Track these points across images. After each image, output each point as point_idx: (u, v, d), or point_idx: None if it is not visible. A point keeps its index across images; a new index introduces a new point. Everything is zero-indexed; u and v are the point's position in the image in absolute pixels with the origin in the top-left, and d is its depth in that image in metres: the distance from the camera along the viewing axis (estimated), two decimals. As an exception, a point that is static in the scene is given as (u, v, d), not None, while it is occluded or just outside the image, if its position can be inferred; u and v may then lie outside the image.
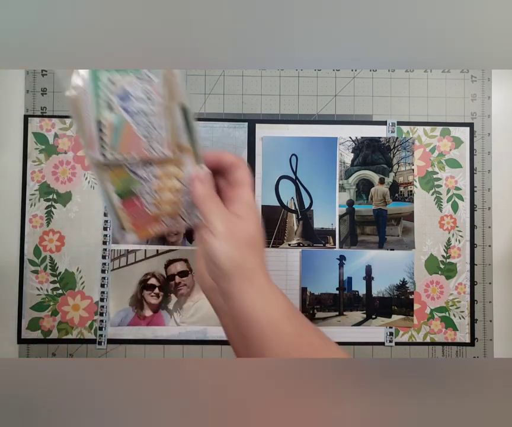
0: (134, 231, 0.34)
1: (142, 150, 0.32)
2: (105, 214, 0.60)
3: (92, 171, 0.33)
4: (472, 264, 0.62)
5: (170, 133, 0.32)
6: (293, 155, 0.61)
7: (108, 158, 0.31)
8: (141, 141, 0.31)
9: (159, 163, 0.33)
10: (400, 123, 0.62)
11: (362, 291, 0.61)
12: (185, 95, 0.32)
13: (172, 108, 0.32)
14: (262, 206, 0.61)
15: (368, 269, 0.61)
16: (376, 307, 0.61)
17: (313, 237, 0.61)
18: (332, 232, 0.61)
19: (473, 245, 0.62)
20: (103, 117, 0.30)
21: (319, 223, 0.62)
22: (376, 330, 0.61)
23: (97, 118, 0.30)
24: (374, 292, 0.61)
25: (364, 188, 0.62)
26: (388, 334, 0.61)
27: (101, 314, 0.60)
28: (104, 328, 0.60)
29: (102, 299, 0.60)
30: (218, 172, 0.36)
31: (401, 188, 0.62)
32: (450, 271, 0.62)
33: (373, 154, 0.62)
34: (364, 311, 0.61)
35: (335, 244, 0.61)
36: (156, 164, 0.33)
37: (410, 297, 0.61)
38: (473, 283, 0.62)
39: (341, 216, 0.61)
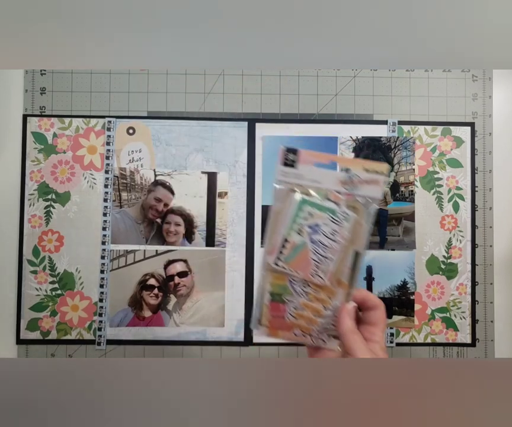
0: (267, 328, 0.39)
1: (308, 273, 0.37)
2: (104, 215, 0.60)
3: (261, 269, 0.38)
4: (473, 264, 0.62)
5: (336, 268, 0.37)
6: (293, 154, 0.61)
7: (278, 266, 0.37)
8: (310, 265, 0.37)
9: (316, 287, 0.38)
10: (401, 123, 0.62)
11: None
12: (364, 244, 0.37)
13: (348, 249, 0.37)
14: (262, 206, 0.61)
15: (369, 269, 0.61)
16: (376, 307, 0.61)
17: (314, 237, 0.61)
18: (332, 232, 0.61)
19: (474, 246, 0.62)
20: (291, 236, 0.37)
21: (319, 223, 0.61)
22: (376, 331, 0.61)
23: (285, 236, 0.37)
24: (375, 293, 0.61)
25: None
26: (389, 334, 0.61)
27: (100, 315, 0.60)
28: (103, 329, 0.60)
29: (101, 300, 0.60)
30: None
31: (402, 188, 0.61)
32: (451, 271, 0.62)
33: (374, 154, 0.61)
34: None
35: (335, 244, 0.61)
36: (312, 286, 0.38)
37: (411, 297, 0.61)
38: (474, 283, 0.62)
39: (341, 216, 0.61)
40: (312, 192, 0.37)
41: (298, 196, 0.37)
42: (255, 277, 0.61)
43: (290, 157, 0.36)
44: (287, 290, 0.38)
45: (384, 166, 0.36)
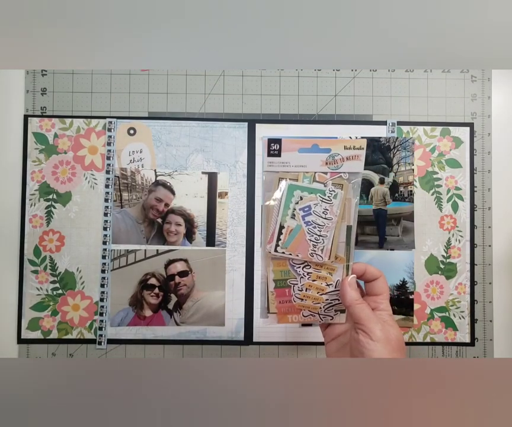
0: (276, 314, 0.41)
1: (307, 254, 0.39)
2: (105, 214, 0.60)
3: (262, 259, 0.41)
4: (472, 264, 0.62)
5: (332, 244, 0.39)
6: (293, 155, 0.61)
7: (278, 253, 0.39)
8: (308, 246, 0.39)
9: (316, 266, 0.40)
10: (400, 123, 0.62)
11: (362, 291, 0.61)
12: (354, 218, 0.39)
13: (340, 225, 0.39)
14: (262, 206, 0.61)
15: (368, 269, 0.61)
16: (376, 307, 0.61)
17: (313, 237, 0.61)
18: (332, 232, 0.61)
19: (473, 245, 0.62)
20: (286, 222, 0.39)
21: (319, 223, 0.61)
22: (376, 330, 0.61)
23: (281, 223, 0.39)
24: (374, 292, 0.61)
25: (364, 188, 0.62)
26: (388, 334, 0.61)
27: (101, 314, 0.60)
28: (103, 328, 0.60)
29: (102, 299, 0.60)
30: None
31: (401, 188, 0.62)
32: (450, 271, 0.62)
33: (373, 154, 0.62)
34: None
35: (335, 244, 0.61)
36: (312, 266, 0.40)
37: (410, 297, 0.61)
38: (473, 283, 0.62)
39: (341, 216, 0.61)
40: (299, 176, 0.39)
41: (287, 182, 0.39)
42: (255, 276, 0.61)
43: (273, 147, 0.38)
44: (289, 274, 0.40)
45: (362, 141, 0.39)
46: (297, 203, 0.39)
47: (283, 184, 0.39)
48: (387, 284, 0.39)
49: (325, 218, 0.38)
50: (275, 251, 0.39)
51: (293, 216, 0.39)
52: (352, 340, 0.38)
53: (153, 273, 0.61)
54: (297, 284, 0.40)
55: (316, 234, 0.39)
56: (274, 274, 0.40)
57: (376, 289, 0.39)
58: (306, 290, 0.40)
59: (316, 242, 0.39)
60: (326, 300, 0.40)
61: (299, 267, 0.40)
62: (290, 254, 0.39)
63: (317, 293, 0.40)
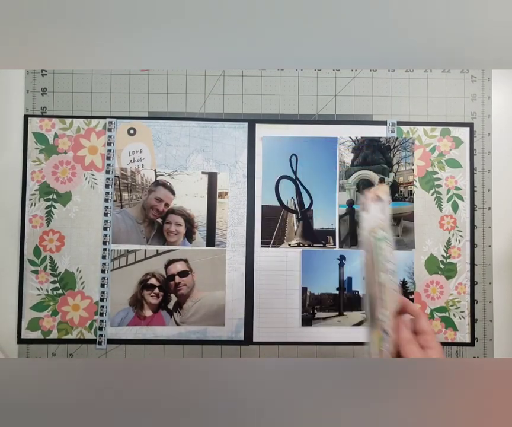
0: None
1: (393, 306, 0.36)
2: (105, 214, 0.60)
3: (366, 330, 0.38)
4: (472, 264, 0.62)
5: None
6: (293, 155, 0.61)
7: (382, 319, 0.35)
8: (395, 295, 0.36)
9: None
10: (400, 123, 0.62)
11: (362, 291, 0.61)
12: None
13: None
14: (262, 206, 0.61)
15: (368, 269, 0.61)
16: (376, 307, 0.61)
17: (313, 237, 0.61)
18: (332, 232, 0.61)
19: (473, 245, 0.62)
20: (381, 278, 0.35)
21: (319, 223, 0.62)
22: (376, 330, 0.61)
23: (378, 280, 0.35)
24: (374, 292, 0.61)
25: (364, 188, 0.62)
26: (388, 334, 0.61)
27: (101, 314, 0.60)
28: (103, 328, 0.60)
29: (102, 299, 0.60)
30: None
31: (401, 188, 0.62)
32: (450, 271, 0.62)
33: (373, 154, 0.62)
34: (364, 311, 0.61)
35: (335, 244, 0.61)
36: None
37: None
38: (473, 283, 0.62)
39: (341, 216, 0.61)
40: (381, 227, 0.37)
41: (376, 236, 0.36)
42: (255, 277, 0.61)
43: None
44: (382, 339, 0.37)
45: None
46: (385, 257, 0.36)
47: (373, 238, 0.36)
48: (429, 322, 0.39)
49: (392, 262, 0.36)
50: (382, 314, 0.36)
51: (384, 270, 0.36)
52: None
53: (153, 273, 0.61)
54: (385, 344, 0.36)
55: (394, 282, 0.36)
56: (374, 346, 0.37)
57: (421, 327, 0.38)
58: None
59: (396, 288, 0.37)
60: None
61: (388, 324, 0.37)
62: (389, 314, 0.36)
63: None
